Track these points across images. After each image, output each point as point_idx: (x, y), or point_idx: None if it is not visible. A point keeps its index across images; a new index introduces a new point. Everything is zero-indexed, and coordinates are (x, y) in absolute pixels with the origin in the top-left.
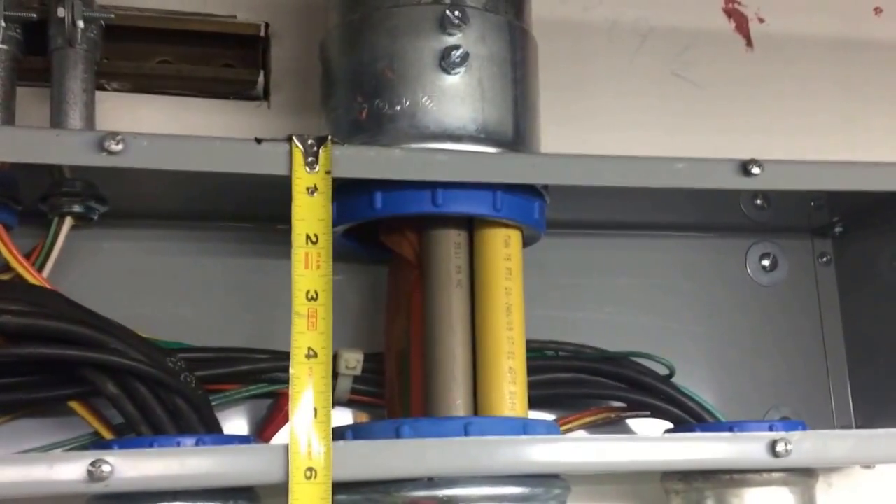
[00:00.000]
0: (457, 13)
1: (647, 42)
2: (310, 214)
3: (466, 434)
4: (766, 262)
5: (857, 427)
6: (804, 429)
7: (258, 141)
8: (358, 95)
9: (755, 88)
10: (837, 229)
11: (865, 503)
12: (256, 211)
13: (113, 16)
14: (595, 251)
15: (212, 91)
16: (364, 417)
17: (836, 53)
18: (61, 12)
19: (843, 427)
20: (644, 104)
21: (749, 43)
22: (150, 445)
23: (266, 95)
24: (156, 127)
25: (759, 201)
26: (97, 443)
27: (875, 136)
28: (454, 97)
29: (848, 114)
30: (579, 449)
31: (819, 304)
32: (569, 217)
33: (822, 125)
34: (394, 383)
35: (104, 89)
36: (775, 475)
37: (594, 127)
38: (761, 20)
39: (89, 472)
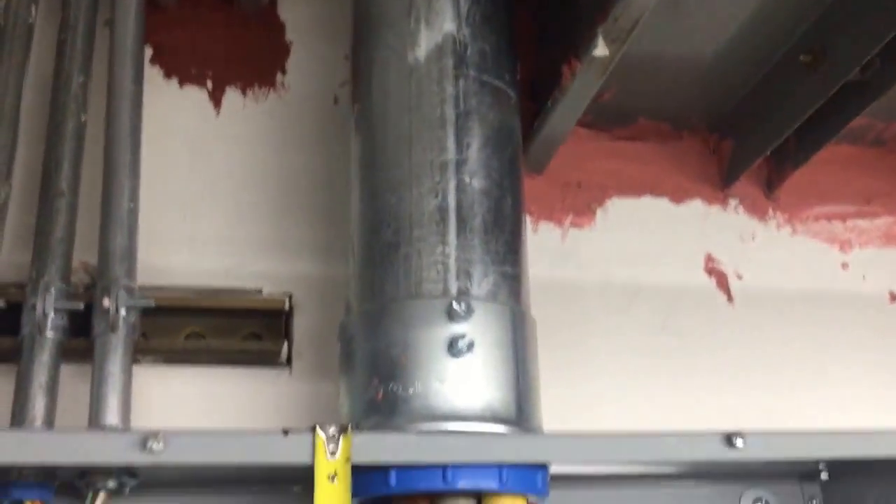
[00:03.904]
0: (463, 305)
1: (637, 299)
2: (330, 500)
3: None
4: None
5: None
6: None
7: (285, 433)
8: (374, 378)
9: (737, 342)
10: (823, 475)
11: None
12: (279, 480)
13: (153, 303)
14: (596, 502)
15: (239, 361)
16: None
17: (809, 306)
18: (106, 303)
19: None
20: (635, 359)
21: (729, 297)
22: None
23: (289, 362)
24: (186, 396)
25: None
26: None
27: (849, 387)
28: (462, 380)
29: (823, 363)
30: None
31: None
32: (570, 473)
33: (799, 377)
34: None
35: (138, 362)
36: None
37: (591, 383)
38: (739, 277)
39: None
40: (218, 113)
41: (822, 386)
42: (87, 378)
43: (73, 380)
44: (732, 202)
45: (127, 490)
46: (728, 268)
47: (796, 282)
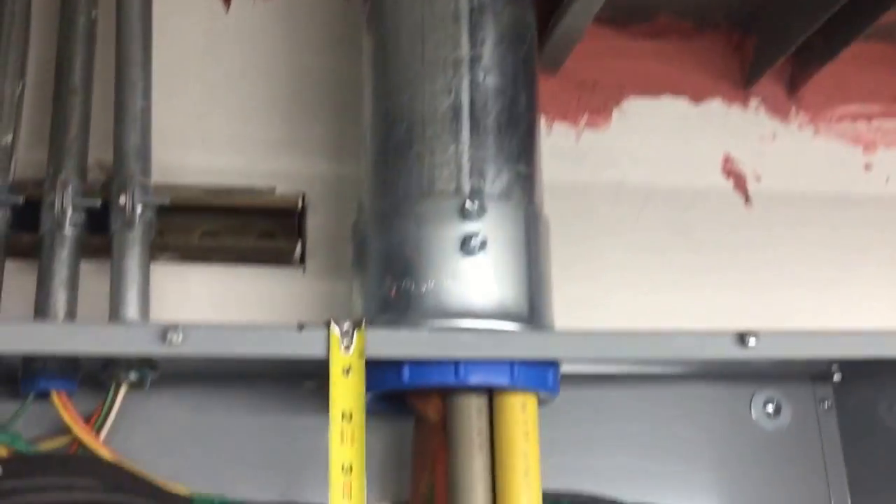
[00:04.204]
0: (475, 203)
1: (652, 201)
2: (345, 393)
3: None
4: (770, 408)
5: None
6: None
7: (300, 327)
8: (387, 276)
9: (754, 243)
10: (836, 377)
11: None
12: (292, 372)
13: (168, 201)
14: (607, 401)
15: (253, 259)
16: None
17: (829, 208)
18: (122, 200)
19: None
20: (649, 261)
21: (747, 199)
22: None
23: (302, 261)
24: (202, 294)
25: None
26: None
27: (868, 289)
28: (474, 278)
29: (842, 266)
30: None
31: (822, 447)
32: (579, 373)
33: (817, 279)
34: None
35: (155, 258)
36: None
37: (603, 283)
38: (758, 179)
39: None
40: (228, 10)
41: (840, 289)
42: (106, 276)
43: (93, 277)
44: (754, 102)
45: (147, 383)
46: (747, 169)
47: (817, 184)
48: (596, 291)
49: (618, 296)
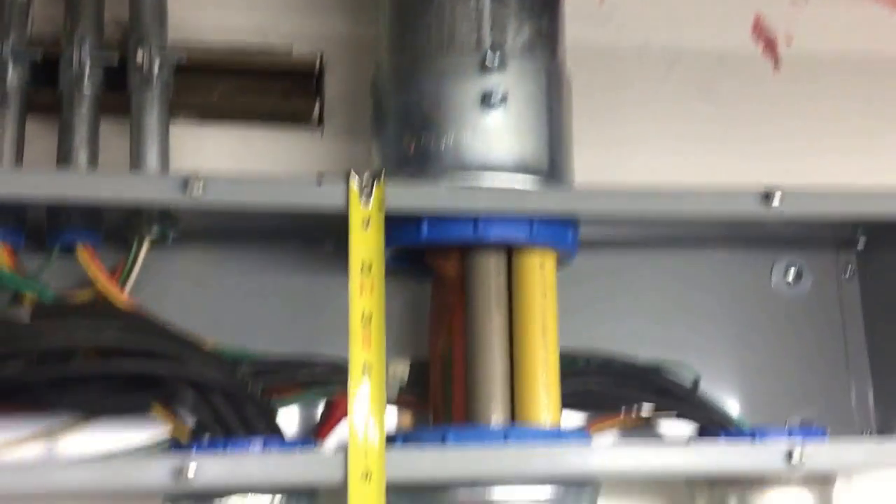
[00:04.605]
0: (496, 57)
1: (677, 64)
2: (364, 245)
3: (506, 442)
4: (790, 275)
5: (878, 433)
6: (824, 435)
7: (319, 180)
8: (406, 131)
9: (782, 107)
10: (861, 243)
11: (886, 501)
12: (312, 231)
13: (185, 58)
14: (626, 265)
15: (270, 120)
16: (408, 418)
17: (861, 73)
18: (140, 57)
19: (863, 433)
20: (673, 126)
21: (776, 63)
22: (224, 448)
23: (320, 122)
24: (220, 154)
25: None
26: (178, 444)
27: None
28: (494, 133)
29: (875, 133)
30: (608, 456)
31: (842, 314)
32: (599, 236)
33: (849, 146)
34: (437, 391)
35: (174, 116)
36: (794, 477)
37: (625, 148)
38: (789, 42)
39: (174, 473)
40: None
41: (870, 155)
42: (126, 136)
43: (112, 136)
44: None
45: (169, 239)
46: (778, 31)
47: (851, 47)
48: (619, 155)
49: (641, 160)
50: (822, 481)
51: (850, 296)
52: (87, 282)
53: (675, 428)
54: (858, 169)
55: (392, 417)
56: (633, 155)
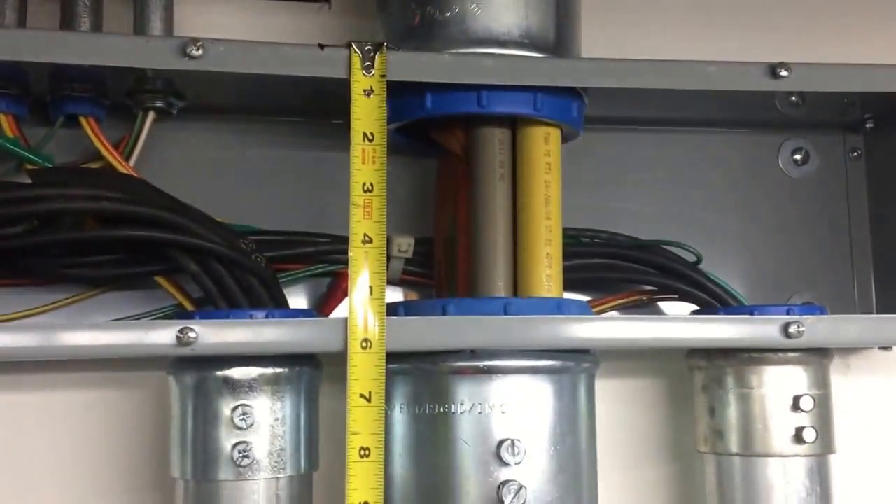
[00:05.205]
0: None
1: None
2: (366, 114)
3: (506, 313)
4: (797, 157)
5: (878, 313)
6: (822, 313)
7: (321, 47)
8: (412, 2)
9: None
10: (869, 125)
11: (882, 384)
12: (317, 107)
13: None
14: (631, 146)
15: None
16: (414, 295)
17: None
18: None
19: (864, 313)
20: (682, 4)
21: None
22: (227, 317)
23: None
24: (227, 27)
25: (793, 98)
26: (182, 313)
27: None
28: (500, 5)
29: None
30: (607, 326)
31: (847, 196)
32: (606, 115)
33: (857, 24)
34: (441, 266)
35: None
36: (790, 354)
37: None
38: None
39: (178, 338)
40: None
41: (883, 38)
42: (130, 5)
43: (116, 4)
44: None
45: (174, 111)
46: None
47: None
48: (628, 33)
49: (650, 41)
50: (818, 360)
51: (856, 176)
52: (91, 155)
53: (677, 309)
54: (868, 51)
55: (398, 293)
56: (644, 36)
